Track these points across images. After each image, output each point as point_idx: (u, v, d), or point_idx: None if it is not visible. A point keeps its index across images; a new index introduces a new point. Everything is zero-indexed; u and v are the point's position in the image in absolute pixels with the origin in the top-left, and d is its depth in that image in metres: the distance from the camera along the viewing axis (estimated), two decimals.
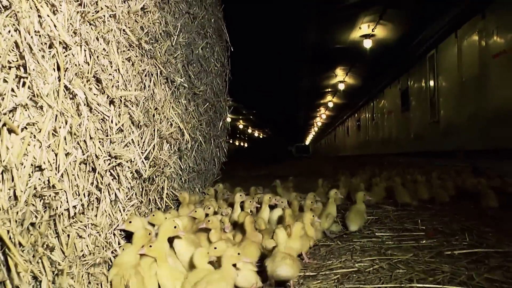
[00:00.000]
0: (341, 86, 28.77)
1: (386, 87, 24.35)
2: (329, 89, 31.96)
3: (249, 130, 61.65)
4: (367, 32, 18.15)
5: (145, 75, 3.25)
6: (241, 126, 54.33)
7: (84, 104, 2.04)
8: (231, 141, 48.49)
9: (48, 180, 1.60)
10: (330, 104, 38.19)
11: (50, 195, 1.60)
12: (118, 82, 2.57)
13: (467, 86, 12.23)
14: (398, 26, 17.21)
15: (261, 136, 62.16)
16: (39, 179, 1.57)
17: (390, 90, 23.64)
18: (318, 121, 55.85)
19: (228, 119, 6.46)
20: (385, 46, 19.18)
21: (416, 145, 17.96)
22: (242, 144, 60.14)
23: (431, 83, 16.09)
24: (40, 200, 1.57)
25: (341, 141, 46.09)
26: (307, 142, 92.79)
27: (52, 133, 1.69)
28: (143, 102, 3.13)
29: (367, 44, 18.89)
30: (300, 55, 21.26)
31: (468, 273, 2.82)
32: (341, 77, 27.39)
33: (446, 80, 14.55)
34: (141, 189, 3.13)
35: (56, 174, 1.65)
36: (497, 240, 3.78)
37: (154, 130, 3.20)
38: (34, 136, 1.54)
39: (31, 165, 1.51)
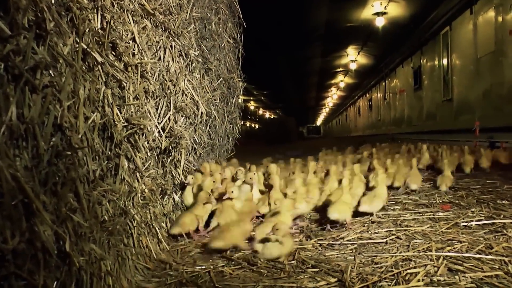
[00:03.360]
0: (353, 66, 28.50)
1: (398, 66, 24.08)
2: (341, 69, 31.67)
3: (260, 111, 61.56)
4: (380, 10, 17.85)
5: (160, 47, 3.24)
6: (252, 107, 54.23)
7: (102, 69, 2.04)
8: (242, 123, 48.52)
9: (70, 140, 1.60)
10: (342, 84, 37.88)
11: (71, 155, 1.60)
12: (133, 50, 2.56)
13: (482, 63, 12.04)
14: (411, 3, 16.89)
15: (272, 117, 62.00)
16: (61, 139, 1.57)
17: (402, 69, 23.39)
18: (329, 102, 55.54)
19: (239, 100, 6.45)
20: (397, 24, 18.86)
21: (428, 123, 17.80)
22: (253, 125, 60.13)
23: (445, 61, 15.87)
24: (62, 161, 1.58)
25: (352, 121, 45.89)
26: (318, 123, 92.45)
27: (72, 95, 1.69)
28: (158, 74, 3.13)
29: (380, 22, 18.60)
30: (311, 34, 21.02)
31: (486, 243, 2.80)
32: (352, 57, 27.09)
33: (460, 57, 14.33)
34: (157, 161, 3.14)
35: (77, 134, 1.65)
36: None
37: (169, 102, 3.20)
38: (55, 95, 1.54)
39: (53, 124, 1.51)
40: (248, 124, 56.92)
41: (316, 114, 77.30)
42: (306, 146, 21.30)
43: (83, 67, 1.88)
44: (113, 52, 2.30)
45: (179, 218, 3.24)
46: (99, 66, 2.07)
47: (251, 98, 44.69)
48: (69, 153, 1.60)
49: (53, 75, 1.55)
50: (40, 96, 1.46)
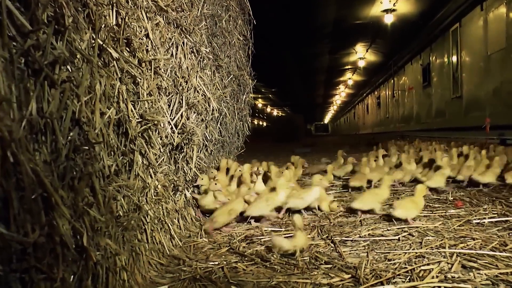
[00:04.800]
0: (361, 63, 28.37)
1: (407, 63, 23.97)
2: (349, 66, 31.53)
3: (268, 109, 61.51)
4: (388, 7, 17.74)
5: (172, 43, 3.25)
6: (260, 105, 54.20)
7: (117, 65, 2.05)
8: (250, 120, 48.50)
9: (87, 135, 1.61)
10: (350, 82, 37.74)
11: (88, 149, 1.61)
12: (147, 47, 2.57)
13: (493, 60, 11.95)
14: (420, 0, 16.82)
15: (280, 114, 61.94)
16: (78, 134, 1.58)
17: (411, 66, 23.28)
18: (337, 99, 55.36)
19: (249, 97, 6.48)
20: (406, 21, 18.76)
21: (438, 121, 17.71)
22: (261, 123, 60.10)
23: (454, 58, 15.78)
24: (80, 155, 1.59)
25: (361, 119, 45.76)
26: (326, 120, 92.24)
27: (88, 90, 1.70)
28: (171, 70, 3.14)
29: (388, 19, 18.49)
30: (319, 32, 20.96)
31: (500, 240, 2.79)
32: (361, 54, 26.98)
33: (470, 54, 14.24)
34: (170, 157, 3.15)
35: (93, 130, 1.66)
36: None
37: (182, 98, 3.21)
38: (73, 90, 1.55)
39: (71, 119, 1.52)
40: (256, 122, 56.88)
41: (324, 111, 77.12)
42: (314, 143, 21.30)
43: (99, 63, 1.89)
44: (127, 48, 2.31)
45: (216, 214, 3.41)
46: (114, 62, 2.08)
47: (259, 96, 44.66)
48: (87, 148, 1.61)
49: (71, 70, 1.56)
50: (59, 91, 1.47)
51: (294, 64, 27.41)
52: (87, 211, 1.71)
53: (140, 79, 2.35)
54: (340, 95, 49.82)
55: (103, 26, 1.92)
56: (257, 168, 4.32)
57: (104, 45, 1.92)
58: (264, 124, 59.17)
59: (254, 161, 5.23)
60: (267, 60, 21.52)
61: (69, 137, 1.52)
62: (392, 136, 17.64)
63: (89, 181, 1.77)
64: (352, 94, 46.46)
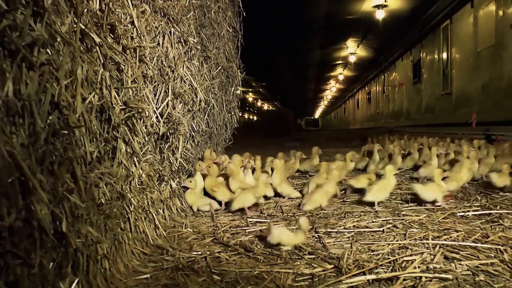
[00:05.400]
0: (352, 59, 28.42)
1: (398, 59, 24.05)
2: (340, 62, 31.56)
3: (259, 103, 61.45)
4: (380, 2, 17.75)
5: (159, 32, 3.22)
6: (250, 99, 54.13)
7: (100, 51, 2.02)
8: (240, 114, 48.43)
9: (67, 119, 1.59)
10: (341, 77, 37.79)
11: (69, 134, 1.59)
12: (132, 34, 2.54)
13: (482, 57, 12.03)
14: None
15: (270, 109, 61.92)
16: (58, 117, 1.56)
17: (402, 62, 23.37)
18: (328, 94, 55.44)
19: (238, 92, 6.45)
20: (397, 17, 18.79)
21: (427, 117, 17.81)
22: (251, 117, 60.06)
23: (445, 54, 15.86)
24: (59, 140, 1.56)
25: (351, 114, 45.92)
26: (317, 115, 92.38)
27: (69, 75, 1.67)
28: (157, 59, 3.11)
29: (380, 15, 18.51)
30: (310, 26, 20.93)
31: (483, 232, 2.81)
32: (352, 49, 27.00)
33: (460, 51, 14.32)
34: (155, 146, 3.13)
35: (74, 114, 1.64)
36: None
37: (168, 88, 3.19)
38: (52, 73, 1.52)
39: (50, 102, 1.50)
40: (246, 115, 56.84)
41: (315, 106, 77.22)
42: (304, 137, 21.33)
43: (81, 48, 1.86)
44: (111, 35, 2.28)
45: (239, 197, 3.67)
46: (97, 48, 2.05)
47: (250, 89, 44.59)
48: (66, 132, 1.58)
49: (50, 53, 1.53)
50: (38, 73, 1.44)
51: (285, 58, 27.39)
52: (67, 197, 1.69)
53: (124, 66, 2.32)
54: (331, 90, 49.89)
55: (85, 10, 1.89)
56: (248, 161, 4.32)
57: (86, 29, 1.89)
58: (255, 118, 59.14)
59: (246, 154, 5.20)
60: (258, 54, 21.50)
61: (48, 121, 1.49)
62: (382, 131, 17.72)
63: (70, 167, 1.75)
64: (343, 89, 46.55)
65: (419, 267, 2.22)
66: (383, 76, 27.67)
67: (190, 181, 3.70)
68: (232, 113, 5.98)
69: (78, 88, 1.71)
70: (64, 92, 1.57)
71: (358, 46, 26.08)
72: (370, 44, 24.90)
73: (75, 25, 1.79)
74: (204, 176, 3.91)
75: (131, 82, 2.43)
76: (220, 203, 3.84)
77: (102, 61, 2.11)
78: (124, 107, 2.34)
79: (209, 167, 3.89)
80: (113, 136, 2.24)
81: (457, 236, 2.76)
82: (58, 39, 1.61)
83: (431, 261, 2.31)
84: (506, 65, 10.48)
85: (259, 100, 59.53)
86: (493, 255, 2.37)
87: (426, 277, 2.07)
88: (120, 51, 2.32)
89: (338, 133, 29.73)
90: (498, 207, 3.58)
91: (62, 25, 1.68)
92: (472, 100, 12.77)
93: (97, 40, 1.98)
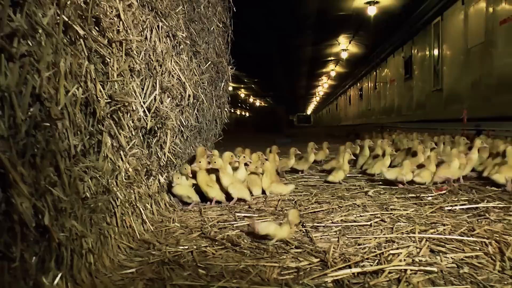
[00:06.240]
0: (344, 55, 28.41)
1: (389, 56, 24.10)
2: (332, 58, 31.56)
3: (251, 99, 61.36)
4: None
5: (146, 26, 3.20)
6: (242, 95, 54.04)
7: (84, 44, 2.01)
8: (232, 110, 48.36)
9: (49, 111, 1.58)
10: (333, 73, 37.79)
11: (51, 126, 1.58)
12: (118, 27, 2.52)
13: (472, 54, 12.08)
14: None
15: (262, 105, 61.87)
16: (40, 110, 1.54)
17: (393, 58, 23.41)
18: (320, 91, 55.45)
19: (230, 88, 6.42)
20: (389, 14, 18.81)
21: (418, 113, 17.88)
22: (243, 113, 59.98)
23: (436, 51, 15.90)
24: (41, 132, 1.55)
25: (343, 110, 45.97)
26: (309, 112, 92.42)
27: (52, 67, 1.66)
28: (144, 53, 3.09)
29: (371, 11, 18.50)
30: (302, 22, 20.89)
31: (469, 225, 2.83)
32: (344, 46, 26.99)
33: (451, 47, 14.37)
34: (142, 141, 3.12)
35: (56, 106, 1.62)
36: (499, 197, 3.78)
37: (155, 82, 3.17)
38: (33, 65, 1.51)
39: (31, 94, 1.48)
40: (238, 112, 56.77)
41: (307, 103, 77.24)
42: (295, 134, 21.35)
43: (65, 40, 1.84)
44: (96, 28, 2.26)
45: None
46: (82, 40, 2.03)
47: (242, 85, 44.50)
48: (48, 124, 1.57)
49: (31, 45, 1.52)
50: (18, 64, 1.43)
51: (276, 54, 27.34)
52: (50, 190, 1.67)
53: (110, 59, 2.30)
54: (323, 86, 49.90)
55: (68, 2, 1.87)
56: (239, 156, 4.34)
57: (69, 22, 1.87)
58: (247, 114, 59.07)
59: (239, 149, 5.19)
60: (249, 50, 21.45)
61: (29, 113, 1.48)
62: (373, 127, 17.77)
63: (53, 160, 1.73)
64: (334, 85, 46.56)
65: (404, 260, 2.23)
66: (374, 73, 27.71)
67: (178, 177, 3.69)
68: (222, 108, 5.97)
69: (61, 80, 1.69)
70: (46, 84, 1.55)
71: (350, 43, 26.07)
72: (362, 40, 24.91)
73: (58, 17, 1.77)
74: (194, 173, 3.88)
75: (117, 75, 2.41)
76: (211, 200, 3.84)
77: (86, 54, 2.09)
78: (110, 100, 2.32)
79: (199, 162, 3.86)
80: (98, 130, 2.22)
81: (444, 229, 2.77)
82: (40, 31, 1.59)
83: (417, 254, 2.32)
84: (495, 62, 10.52)
85: (251, 96, 59.44)
86: (478, 248, 2.39)
87: (411, 270, 2.08)
88: (106, 44, 2.30)
89: (329, 130, 29.80)
90: (486, 201, 3.61)
91: (44, 16, 1.66)
92: (462, 96, 12.83)
93: (81, 32, 1.96)
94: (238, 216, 3.37)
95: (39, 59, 1.53)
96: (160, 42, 3.39)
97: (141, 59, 2.96)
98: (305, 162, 5.99)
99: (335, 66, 35.02)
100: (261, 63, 28.87)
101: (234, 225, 3.09)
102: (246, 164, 4.33)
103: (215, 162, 3.86)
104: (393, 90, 23.22)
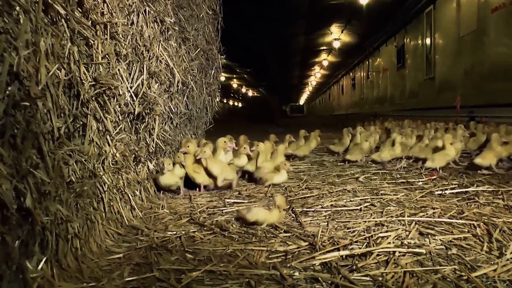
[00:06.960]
0: (336, 44, 28.30)
1: (382, 45, 24.05)
2: (324, 47, 31.44)
3: (243, 89, 61.17)
4: None
5: (133, 10, 3.15)
6: (235, 85, 53.85)
7: (67, 25, 1.96)
8: (225, 101, 48.23)
9: (28, 90, 1.54)
10: (325, 63, 37.68)
11: (31, 106, 1.54)
12: (103, 9, 2.48)
13: (465, 42, 12.07)
14: None
15: (255, 95, 61.70)
16: (18, 89, 1.50)
17: (386, 47, 23.37)
18: (313, 80, 55.30)
19: (222, 78, 6.37)
20: (382, 2, 18.72)
21: (411, 102, 17.89)
22: (236, 104, 59.83)
23: (428, 40, 15.88)
24: (21, 112, 1.51)
25: (336, 100, 45.95)
26: (302, 101, 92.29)
27: (32, 46, 1.61)
28: (131, 38, 3.05)
29: (363, 0, 18.45)
30: (294, 11, 20.78)
31: (458, 209, 2.83)
32: (336, 35, 26.88)
33: (443, 36, 14.35)
34: (130, 126, 3.08)
35: (36, 86, 1.59)
36: (488, 181, 3.79)
37: (143, 67, 3.13)
38: (10, 42, 1.47)
39: (8, 72, 1.44)
40: (231, 102, 56.61)
41: (300, 92, 77.08)
42: (288, 124, 21.34)
43: (45, 20, 1.80)
44: (79, 9, 2.22)
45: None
46: (63, 21, 1.99)
47: (234, 76, 44.32)
48: (28, 104, 1.53)
49: (7, 21, 1.48)
50: None
51: (269, 43, 27.21)
52: (32, 173, 1.64)
53: (94, 41, 2.26)
54: (316, 76, 49.77)
55: None
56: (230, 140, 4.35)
57: (50, 1, 1.83)
58: (240, 104, 58.93)
59: (228, 136, 5.16)
60: (242, 40, 21.34)
61: (7, 92, 1.44)
62: (366, 116, 17.78)
63: (35, 142, 1.70)
64: (327, 75, 46.47)
65: (393, 242, 2.23)
66: (367, 62, 27.67)
67: (169, 164, 3.65)
68: (213, 96, 5.92)
69: (42, 60, 1.65)
70: (25, 62, 1.51)
71: (342, 32, 25.98)
72: (355, 29, 24.82)
73: None
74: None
75: (102, 58, 2.37)
76: (199, 186, 3.82)
77: (69, 35, 2.05)
78: (94, 83, 2.28)
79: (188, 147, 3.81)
80: (83, 113, 2.19)
81: (433, 213, 2.77)
82: (17, 8, 1.55)
83: (406, 237, 2.32)
84: (487, 50, 10.52)
85: (244, 87, 59.23)
86: (466, 230, 2.39)
87: (399, 252, 2.08)
88: (89, 26, 2.26)
89: (321, 119, 29.82)
90: (476, 185, 3.61)
91: None
92: (455, 84, 12.83)
93: (62, 12, 1.92)
94: (227, 202, 3.35)
95: (16, 37, 1.49)
96: (147, 27, 3.33)
97: (128, 43, 2.91)
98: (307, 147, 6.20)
99: (328, 56, 34.92)
100: (254, 53, 28.75)
101: (224, 211, 3.07)
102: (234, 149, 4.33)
103: (204, 152, 3.79)
104: (386, 79, 23.21)
